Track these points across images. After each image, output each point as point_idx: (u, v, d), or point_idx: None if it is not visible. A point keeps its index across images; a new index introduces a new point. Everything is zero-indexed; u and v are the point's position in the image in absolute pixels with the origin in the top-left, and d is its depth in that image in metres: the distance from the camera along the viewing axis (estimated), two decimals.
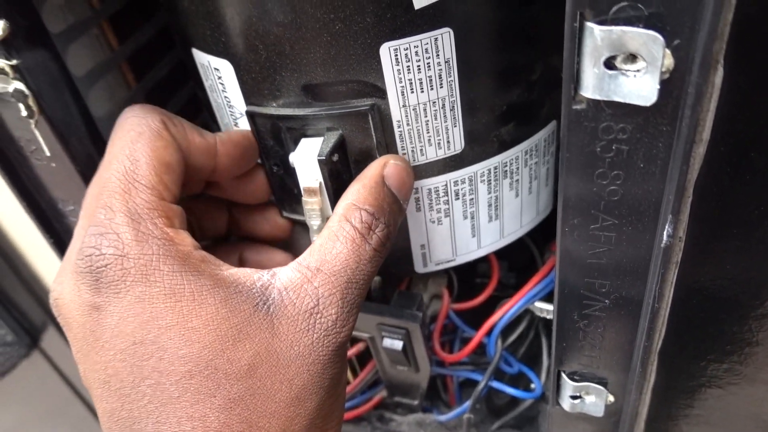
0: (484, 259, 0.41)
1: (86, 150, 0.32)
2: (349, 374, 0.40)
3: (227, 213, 0.35)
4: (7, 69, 0.27)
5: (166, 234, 0.25)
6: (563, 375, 0.31)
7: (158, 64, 0.38)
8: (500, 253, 0.39)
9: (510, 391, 0.38)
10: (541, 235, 0.40)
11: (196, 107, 0.39)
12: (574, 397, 0.32)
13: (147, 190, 0.26)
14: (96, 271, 0.24)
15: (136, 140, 0.26)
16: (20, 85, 0.28)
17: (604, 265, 0.25)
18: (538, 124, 0.33)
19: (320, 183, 0.29)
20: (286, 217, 0.35)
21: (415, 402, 0.40)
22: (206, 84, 0.33)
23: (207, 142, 0.30)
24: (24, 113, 0.29)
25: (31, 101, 0.28)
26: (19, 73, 0.27)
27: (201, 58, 0.31)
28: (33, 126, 0.29)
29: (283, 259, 0.35)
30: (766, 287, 0.25)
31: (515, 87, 0.31)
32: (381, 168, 0.29)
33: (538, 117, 0.33)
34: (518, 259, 0.44)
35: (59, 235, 0.35)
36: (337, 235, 0.27)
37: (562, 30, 0.20)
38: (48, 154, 0.31)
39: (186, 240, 0.26)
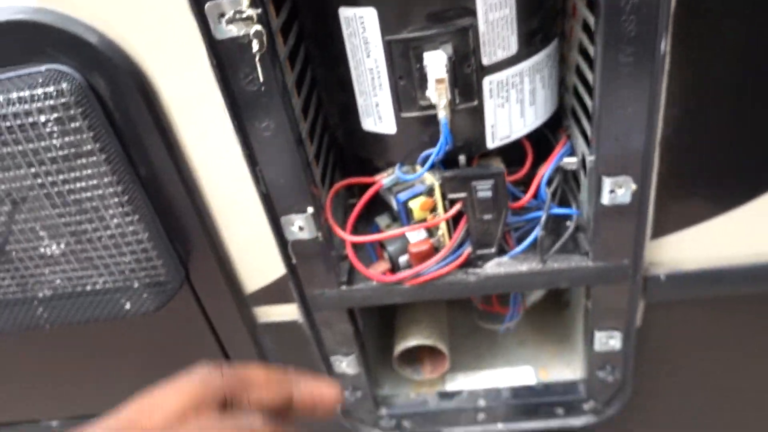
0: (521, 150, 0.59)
1: (282, 78, 0.47)
2: (446, 234, 0.56)
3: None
4: (254, 16, 0.43)
5: None
6: (602, 177, 0.50)
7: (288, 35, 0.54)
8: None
9: (563, 210, 0.56)
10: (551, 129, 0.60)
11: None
12: (611, 192, 0.50)
13: None
14: None
15: None
16: (260, 27, 0.43)
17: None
18: (551, 39, 0.53)
19: (447, 74, 0.47)
20: (404, 117, 0.52)
21: (493, 249, 0.57)
22: (346, 33, 0.50)
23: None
24: (256, 48, 0.44)
25: (265, 38, 0.44)
26: (259, 19, 0.43)
27: (347, 12, 0.48)
28: (257, 59, 0.45)
29: None
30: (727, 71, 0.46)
31: (539, 12, 0.51)
32: None
33: (550, 34, 0.53)
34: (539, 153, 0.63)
35: (252, 149, 0.49)
36: None
37: None
38: (261, 80, 0.46)
39: None
